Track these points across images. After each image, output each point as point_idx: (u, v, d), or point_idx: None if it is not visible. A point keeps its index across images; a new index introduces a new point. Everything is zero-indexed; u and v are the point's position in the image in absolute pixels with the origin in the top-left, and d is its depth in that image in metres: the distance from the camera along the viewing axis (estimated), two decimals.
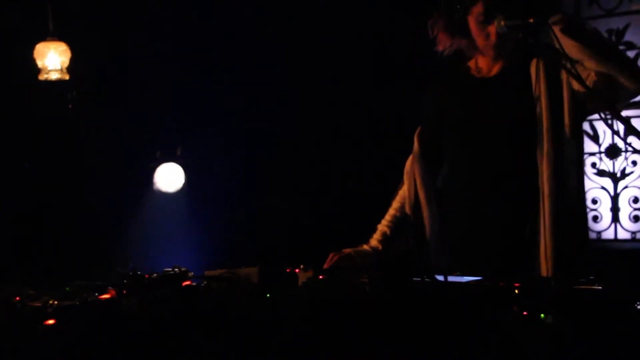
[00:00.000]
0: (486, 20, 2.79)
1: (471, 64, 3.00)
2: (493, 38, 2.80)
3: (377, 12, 5.30)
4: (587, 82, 2.65)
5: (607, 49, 2.74)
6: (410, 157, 3.10)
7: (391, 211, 3.13)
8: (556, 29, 2.63)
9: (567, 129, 2.75)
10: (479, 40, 2.86)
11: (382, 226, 3.12)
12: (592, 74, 2.67)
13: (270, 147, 5.77)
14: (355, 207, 5.43)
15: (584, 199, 2.89)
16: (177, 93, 5.90)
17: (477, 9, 2.82)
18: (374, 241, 3.07)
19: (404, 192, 3.11)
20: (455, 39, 2.93)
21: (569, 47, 2.63)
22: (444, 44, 2.95)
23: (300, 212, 5.67)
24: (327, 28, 5.47)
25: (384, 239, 3.07)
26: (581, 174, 2.90)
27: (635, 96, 2.78)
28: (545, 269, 2.70)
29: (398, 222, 3.10)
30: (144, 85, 5.81)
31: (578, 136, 2.82)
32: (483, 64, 2.96)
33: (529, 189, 2.78)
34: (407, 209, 3.06)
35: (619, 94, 2.68)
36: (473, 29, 2.86)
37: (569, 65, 2.59)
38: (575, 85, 2.71)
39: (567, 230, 2.74)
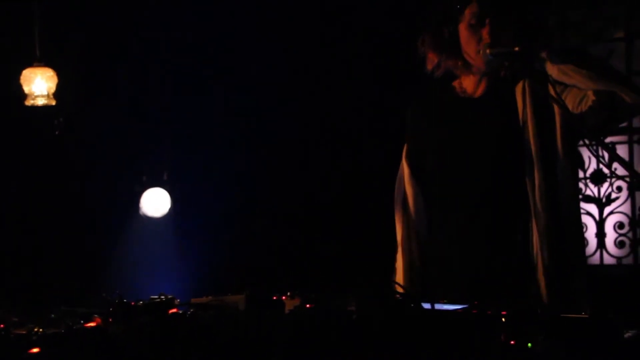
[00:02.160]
0: (479, 22, 2.76)
1: (455, 83, 2.97)
2: (487, 40, 2.74)
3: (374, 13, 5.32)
4: (585, 104, 2.66)
5: (602, 67, 2.74)
6: (402, 181, 3.04)
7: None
8: (548, 56, 2.64)
9: (559, 153, 2.74)
10: (471, 47, 2.79)
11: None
12: (590, 94, 2.66)
13: (257, 172, 5.77)
14: (345, 234, 5.44)
15: (579, 224, 2.85)
16: (163, 118, 5.91)
17: (470, 10, 2.79)
18: None
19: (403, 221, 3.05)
20: (443, 58, 2.89)
21: (564, 71, 2.62)
22: (432, 62, 2.92)
23: (287, 238, 5.66)
24: (321, 56, 5.50)
25: None
26: (576, 197, 2.88)
27: (636, 114, 2.76)
28: (543, 295, 2.69)
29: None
30: (130, 110, 5.81)
31: (572, 159, 2.79)
32: (468, 84, 2.94)
33: (517, 212, 2.76)
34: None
35: (619, 111, 2.64)
36: (464, 37, 2.82)
37: (553, 92, 2.60)
38: (569, 107, 2.68)
39: (564, 256, 2.73)
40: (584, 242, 2.90)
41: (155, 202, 6.10)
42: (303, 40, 5.54)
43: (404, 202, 3.01)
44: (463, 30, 2.82)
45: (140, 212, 6.08)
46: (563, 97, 2.70)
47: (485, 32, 2.75)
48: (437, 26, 2.89)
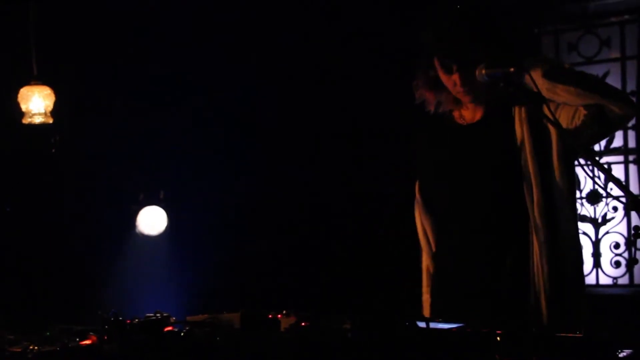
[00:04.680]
0: (447, 70, 2.83)
1: (455, 113, 3.03)
2: (459, 85, 2.82)
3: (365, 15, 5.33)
4: (578, 119, 2.68)
5: (591, 81, 2.78)
6: (419, 216, 3.10)
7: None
8: (537, 75, 2.67)
9: (556, 172, 2.76)
10: (451, 89, 2.88)
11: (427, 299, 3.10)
12: (581, 108, 2.69)
13: (253, 190, 5.78)
14: (340, 252, 5.44)
15: (578, 242, 2.86)
16: (160, 136, 5.91)
17: (435, 62, 2.87)
18: None
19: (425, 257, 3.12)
20: (437, 94, 2.96)
21: (552, 90, 2.67)
22: (430, 102, 2.99)
23: (283, 256, 5.66)
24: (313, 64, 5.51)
25: None
26: (574, 216, 2.89)
27: (627, 123, 2.78)
28: (541, 313, 2.70)
29: None
30: (126, 129, 5.81)
31: (569, 178, 2.81)
32: (465, 112, 2.99)
33: (517, 232, 2.79)
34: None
35: (611, 122, 2.67)
36: (443, 80, 2.89)
37: (548, 112, 2.63)
38: (564, 123, 2.71)
39: (563, 275, 2.75)
40: (582, 260, 2.91)
41: (152, 221, 6.10)
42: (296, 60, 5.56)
43: (427, 239, 3.08)
44: (440, 75, 2.89)
45: (137, 231, 6.08)
46: (557, 115, 2.73)
47: (456, 78, 2.82)
48: (423, 70, 2.96)
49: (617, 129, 2.85)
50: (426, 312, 3.05)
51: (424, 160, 3.09)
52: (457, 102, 2.96)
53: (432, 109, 3.00)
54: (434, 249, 3.07)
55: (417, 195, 3.11)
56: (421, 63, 2.96)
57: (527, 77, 2.65)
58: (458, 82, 2.82)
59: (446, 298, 2.94)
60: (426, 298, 3.10)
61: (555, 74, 2.69)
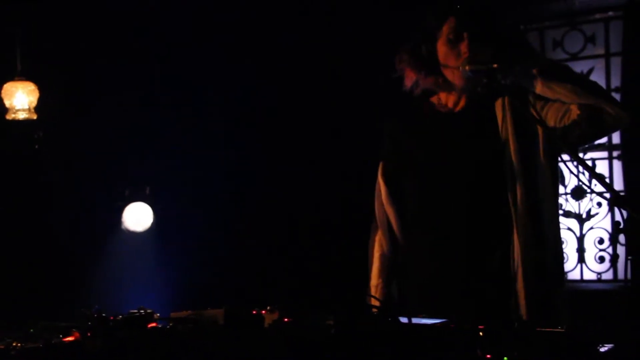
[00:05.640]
0: (457, 36, 2.77)
1: (434, 99, 2.98)
2: (466, 54, 2.75)
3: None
4: (568, 119, 2.67)
5: (586, 81, 2.76)
6: (381, 200, 3.02)
7: (377, 263, 3.04)
8: (531, 71, 2.66)
9: (540, 167, 2.75)
10: (450, 62, 2.80)
11: (380, 285, 3.02)
12: (574, 108, 2.67)
13: (238, 186, 5.77)
14: (323, 248, 5.44)
15: (559, 238, 2.87)
16: (146, 132, 5.90)
17: (448, 25, 2.80)
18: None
19: (380, 239, 3.04)
20: (421, 76, 2.89)
21: (548, 85, 2.65)
22: (410, 80, 2.92)
23: (267, 252, 5.66)
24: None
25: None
26: (557, 212, 2.90)
27: (620, 127, 2.78)
28: (523, 308, 2.69)
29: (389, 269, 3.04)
30: (112, 124, 5.80)
31: (553, 174, 2.80)
32: (447, 99, 2.94)
33: (498, 227, 2.76)
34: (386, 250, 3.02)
35: (605, 124, 2.66)
36: (443, 53, 2.82)
37: (532, 109, 2.63)
38: (551, 122, 2.71)
39: (544, 271, 2.74)
40: (563, 256, 2.91)
41: (138, 217, 6.09)
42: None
43: (387, 222, 3.00)
44: (441, 46, 2.84)
45: (123, 227, 6.07)
46: (544, 112, 2.72)
47: (463, 47, 2.76)
48: (416, 44, 2.90)
49: (609, 133, 2.84)
50: (376, 293, 2.97)
51: (396, 146, 3.00)
52: (446, 84, 2.88)
53: (408, 85, 2.93)
54: (398, 238, 2.98)
55: (380, 179, 3.02)
56: (411, 38, 2.91)
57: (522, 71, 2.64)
58: (465, 50, 2.75)
59: (424, 296, 2.88)
60: (378, 283, 3.01)
61: (553, 70, 2.69)
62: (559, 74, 2.68)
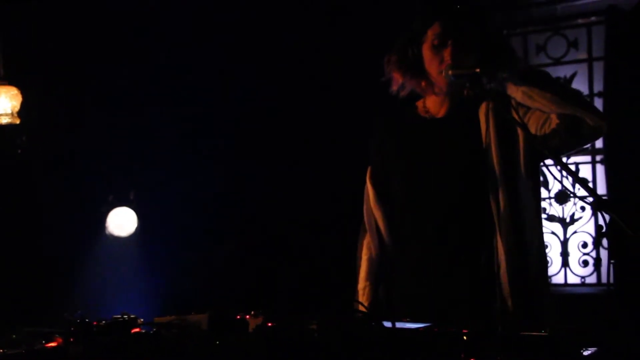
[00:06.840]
0: (441, 43, 2.78)
1: (419, 103, 2.99)
2: (448, 60, 2.76)
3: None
4: (548, 127, 2.67)
5: (565, 90, 2.76)
6: (369, 204, 3.03)
7: (364, 265, 3.05)
8: (512, 78, 2.65)
9: (522, 173, 2.75)
10: (434, 67, 2.81)
11: (367, 288, 3.03)
12: (553, 117, 2.68)
13: (223, 191, 5.76)
14: (308, 254, 5.43)
15: (542, 243, 2.88)
16: (130, 137, 5.88)
17: (433, 30, 2.81)
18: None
19: (368, 242, 3.05)
20: (407, 78, 2.90)
21: (528, 94, 2.64)
22: (396, 83, 2.93)
23: (251, 258, 5.65)
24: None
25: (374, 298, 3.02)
26: (539, 216, 2.89)
27: (599, 136, 2.79)
28: (507, 313, 2.69)
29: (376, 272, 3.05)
30: (95, 129, 5.78)
31: (535, 180, 2.81)
32: (431, 105, 2.95)
33: (482, 232, 2.77)
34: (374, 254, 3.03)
35: (583, 134, 2.66)
36: (427, 57, 2.83)
37: (515, 115, 2.64)
38: (532, 129, 2.71)
39: (527, 276, 2.74)
40: (546, 260, 2.92)
41: (122, 222, 6.07)
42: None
43: (375, 226, 3.01)
44: (426, 51, 2.84)
45: (107, 232, 6.05)
46: (526, 119, 2.73)
47: (447, 53, 2.77)
48: (402, 47, 2.91)
49: (588, 142, 2.83)
50: (365, 301, 2.97)
51: (382, 150, 3.02)
52: (429, 87, 2.90)
53: (395, 88, 2.94)
54: (386, 242, 2.99)
55: (368, 183, 3.04)
56: (404, 39, 2.91)
57: (501, 78, 2.65)
58: (447, 58, 2.76)
59: (410, 300, 2.88)
60: (365, 286, 3.02)
61: (533, 78, 2.68)
62: (540, 82, 2.68)
